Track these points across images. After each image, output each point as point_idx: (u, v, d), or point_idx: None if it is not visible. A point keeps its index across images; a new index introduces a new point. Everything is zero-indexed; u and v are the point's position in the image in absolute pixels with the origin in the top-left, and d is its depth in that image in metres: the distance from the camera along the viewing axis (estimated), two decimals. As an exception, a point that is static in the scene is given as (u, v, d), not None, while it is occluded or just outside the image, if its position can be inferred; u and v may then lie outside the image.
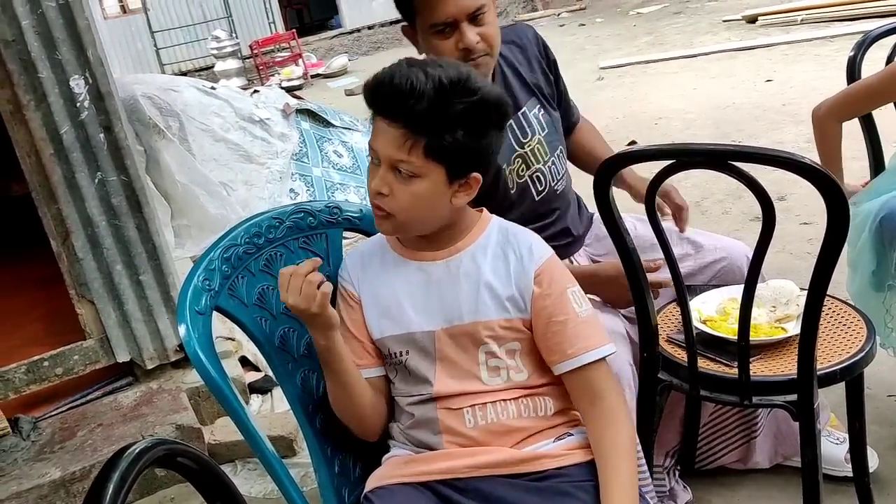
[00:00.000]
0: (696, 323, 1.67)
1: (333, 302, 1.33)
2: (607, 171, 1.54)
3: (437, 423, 1.32)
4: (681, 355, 1.67)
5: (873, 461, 1.93)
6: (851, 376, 1.62)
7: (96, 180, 2.53)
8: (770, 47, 7.16)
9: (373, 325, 1.36)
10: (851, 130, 2.32)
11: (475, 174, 1.29)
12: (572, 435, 1.34)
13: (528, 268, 1.33)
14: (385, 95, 1.23)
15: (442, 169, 1.25)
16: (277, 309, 1.41)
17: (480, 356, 1.33)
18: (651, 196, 1.51)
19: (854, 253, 2.09)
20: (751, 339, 1.55)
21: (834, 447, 2.01)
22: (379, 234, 1.39)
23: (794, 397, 1.57)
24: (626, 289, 1.64)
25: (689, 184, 4.05)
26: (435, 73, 1.21)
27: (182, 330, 1.24)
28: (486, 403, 1.31)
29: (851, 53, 2.21)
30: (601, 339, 1.32)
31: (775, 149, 1.44)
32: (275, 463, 1.27)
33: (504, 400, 1.32)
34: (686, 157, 1.45)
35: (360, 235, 1.54)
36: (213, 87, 4.57)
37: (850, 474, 1.85)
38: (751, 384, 1.57)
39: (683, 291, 1.59)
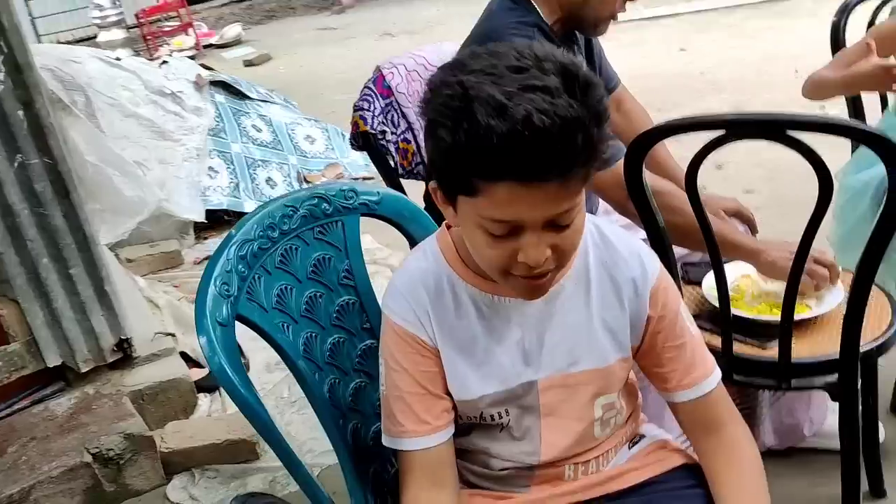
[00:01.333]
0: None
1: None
2: (642, 146, 1.42)
3: (531, 479, 1.15)
4: (709, 340, 1.58)
5: (881, 434, 1.91)
6: (885, 353, 1.57)
7: (16, 164, 2.22)
8: (678, 16, 7.24)
9: (460, 382, 1.09)
10: (833, 100, 2.28)
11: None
12: (644, 437, 1.22)
13: (642, 291, 1.09)
14: (535, 154, 0.86)
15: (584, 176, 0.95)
16: (298, 311, 1.22)
17: (597, 410, 1.13)
18: (693, 173, 1.39)
19: (845, 229, 2.05)
20: (794, 317, 1.47)
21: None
22: (431, 252, 1.11)
23: (833, 378, 1.51)
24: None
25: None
26: (554, 79, 0.87)
27: (204, 343, 1.04)
28: (590, 460, 1.15)
29: (835, 19, 2.16)
30: (712, 362, 1.15)
31: (833, 117, 1.35)
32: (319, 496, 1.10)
33: (609, 450, 1.17)
34: (738, 127, 1.33)
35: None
36: (118, 59, 4.20)
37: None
38: (791, 367, 1.50)
39: (723, 273, 1.49)
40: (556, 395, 1.10)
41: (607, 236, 1.11)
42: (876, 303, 1.64)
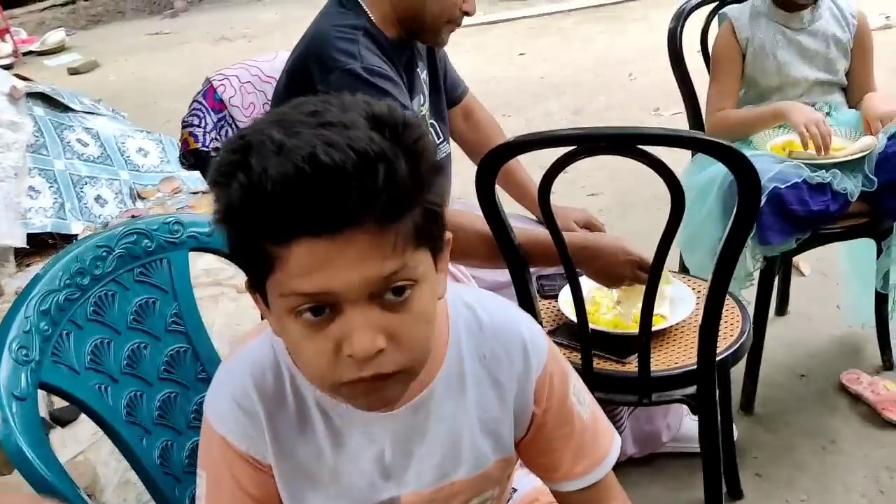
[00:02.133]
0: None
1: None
2: (494, 162, 1.35)
3: None
4: (569, 356, 1.53)
5: (735, 434, 1.94)
6: (740, 359, 1.58)
7: None
8: (516, 21, 7.36)
9: (295, 498, 0.91)
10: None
11: (447, 232, 0.83)
12: (515, 490, 1.12)
13: (527, 387, 0.92)
14: (325, 198, 0.69)
15: (428, 251, 0.78)
16: (118, 368, 1.06)
17: None
18: (546, 189, 1.34)
19: (692, 228, 2.08)
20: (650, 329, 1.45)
21: (693, 424, 2.00)
22: (269, 338, 0.88)
23: (692, 390, 1.50)
24: (624, 264, 1.49)
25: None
26: (357, 118, 0.73)
27: (-2, 422, 0.88)
28: None
29: (671, 25, 2.19)
30: (608, 440, 0.99)
31: (680, 129, 1.34)
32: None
33: None
34: (590, 142, 1.29)
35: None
36: (-86, 69, 3.76)
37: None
38: (651, 381, 1.48)
39: (579, 289, 1.45)
40: None
41: (484, 322, 0.92)
42: (726, 309, 1.65)
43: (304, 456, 0.89)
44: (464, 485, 0.94)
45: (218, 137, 1.85)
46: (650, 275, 1.38)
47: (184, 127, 1.83)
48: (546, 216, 1.36)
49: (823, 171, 1.90)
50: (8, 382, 0.90)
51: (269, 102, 1.89)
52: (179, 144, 1.85)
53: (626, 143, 1.25)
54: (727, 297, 1.68)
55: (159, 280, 1.15)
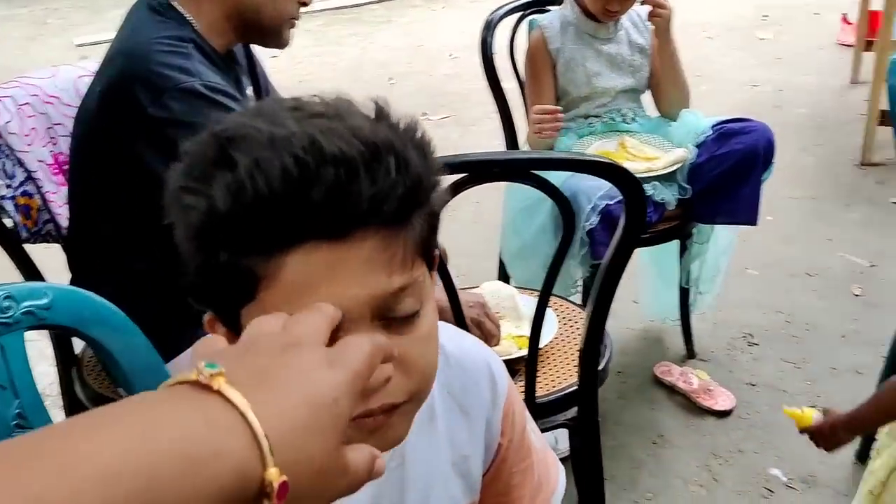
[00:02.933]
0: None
1: None
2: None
3: None
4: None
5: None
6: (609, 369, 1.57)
7: None
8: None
9: None
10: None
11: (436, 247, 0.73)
12: None
13: (494, 415, 0.86)
14: (333, 193, 0.58)
15: (423, 265, 0.68)
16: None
17: None
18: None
19: (521, 241, 2.08)
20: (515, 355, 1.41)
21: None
22: None
23: (573, 412, 1.47)
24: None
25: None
26: (350, 107, 0.64)
27: None
28: None
29: (483, 34, 2.17)
30: (556, 469, 0.98)
31: (574, 153, 1.29)
32: None
33: None
34: (481, 169, 1.20)
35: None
36: None
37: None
38: (536, 407, 1.42)
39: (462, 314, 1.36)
40: None
41: (450, 353, 0.84)
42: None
43: None
44: None
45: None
46: (540, 295, 1.33)
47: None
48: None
49: (646, 184, 1.97)
50: None
51: (57, 125, 1.60)
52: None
53: (519, 168, 1.18)
54: (569, 303, 1.70)
55: (-6, 373, 0.89)
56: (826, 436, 1.39)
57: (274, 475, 0.42)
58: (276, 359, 0.47)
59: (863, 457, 1.91)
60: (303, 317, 0.52)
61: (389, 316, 0.64)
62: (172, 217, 0.63)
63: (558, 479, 0.97)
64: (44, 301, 0.95)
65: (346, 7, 7.23)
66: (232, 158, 0.59)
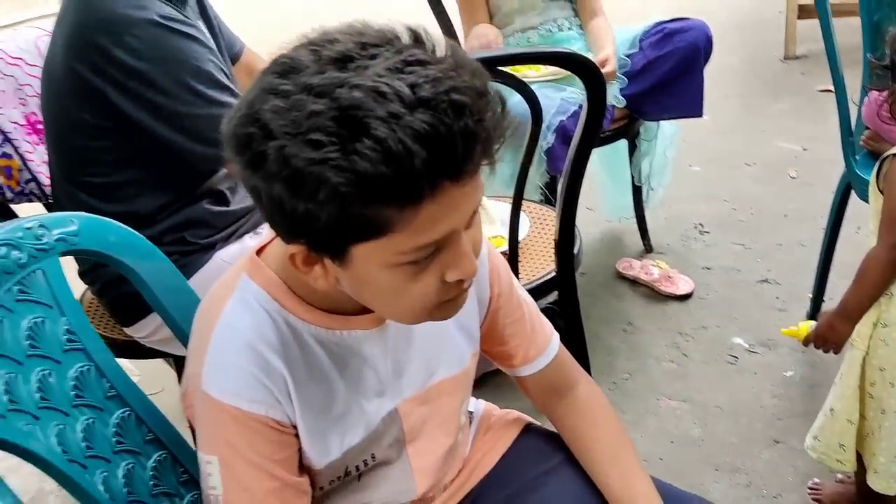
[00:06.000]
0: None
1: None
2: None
3: None
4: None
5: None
6: (581, 259, 1.69)
7: None
8: None
9: (320, 447, 0.88)
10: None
11: None
12: (472, 412, 1.13)
13: (481, 271, 0.92)
14: (465, 140, 0.66)
15: None
16: (34, 403, 0.88)
17: (462, 418, 1.02)
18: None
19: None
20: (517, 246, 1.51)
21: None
22: (253, 296, 0.83)
23: (554, 296, 1.59)
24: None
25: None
26: (423, 55, 0.68)
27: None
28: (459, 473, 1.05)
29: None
30: (549, 325, 1.06)
31: (541, 46, 1.38)
32: None
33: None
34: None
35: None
36: None
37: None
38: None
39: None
40: (418, 416, 0.95)
41: None
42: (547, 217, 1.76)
43: (319, 395, 0.87)
44: (450, 385, 0.96)
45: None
46: (514, 196, 1.44)
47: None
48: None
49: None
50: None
51: (25, 86, 1.63)
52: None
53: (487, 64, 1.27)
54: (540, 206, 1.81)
55: (40, 295, 0.96)
56: (826, 336, 1.41)
57: None
58: None
59: (813, 315, 2.09)
60: None
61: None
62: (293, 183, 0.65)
63: (552, 330, 1.06)
64: (72, 228, 1.01)
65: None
66: (366, 125, 0.63)
